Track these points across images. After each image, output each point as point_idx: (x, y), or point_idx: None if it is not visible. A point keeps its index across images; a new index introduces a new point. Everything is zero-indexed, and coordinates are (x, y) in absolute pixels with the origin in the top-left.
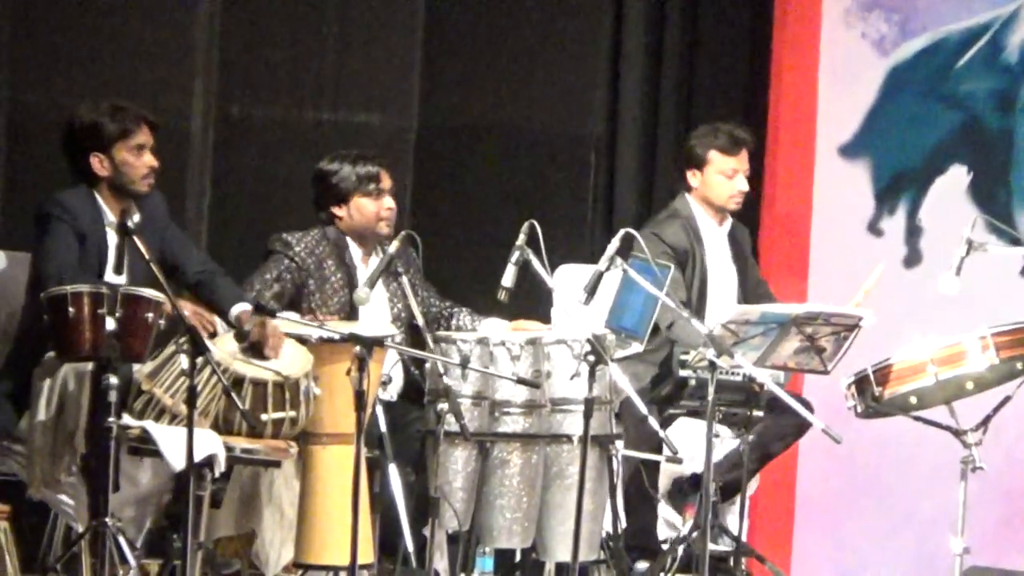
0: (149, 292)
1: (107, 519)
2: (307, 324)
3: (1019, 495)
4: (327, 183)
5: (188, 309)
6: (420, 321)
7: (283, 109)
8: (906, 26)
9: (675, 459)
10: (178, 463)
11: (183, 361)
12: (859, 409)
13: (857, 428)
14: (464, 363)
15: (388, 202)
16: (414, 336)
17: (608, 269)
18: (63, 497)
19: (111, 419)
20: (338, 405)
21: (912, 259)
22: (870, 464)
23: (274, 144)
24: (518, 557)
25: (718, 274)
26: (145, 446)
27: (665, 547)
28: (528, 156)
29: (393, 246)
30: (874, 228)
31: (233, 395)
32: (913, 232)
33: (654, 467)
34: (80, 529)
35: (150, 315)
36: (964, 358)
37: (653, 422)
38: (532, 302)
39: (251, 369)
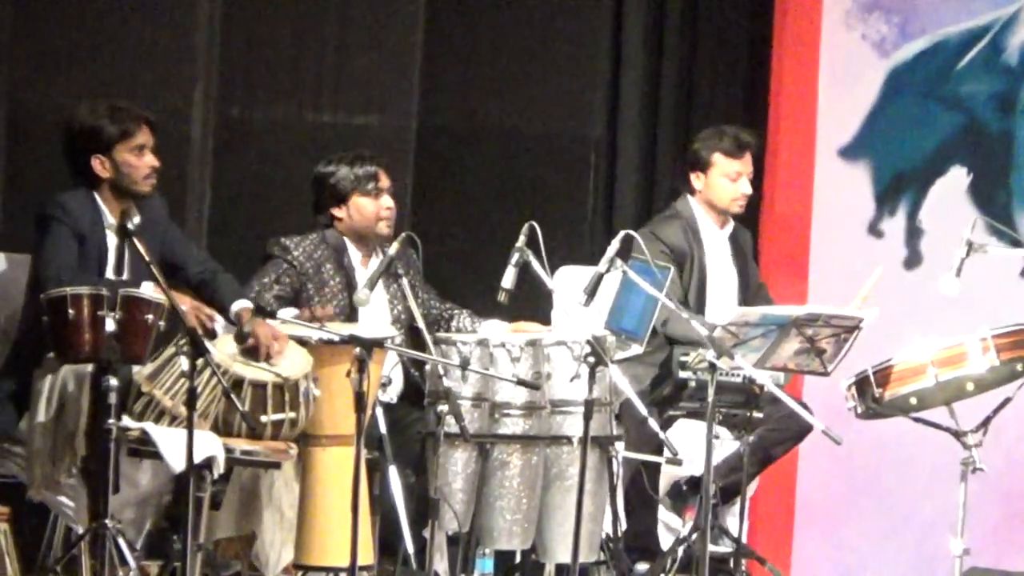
0: (149, 294)
1: (107, 521)
2: (307, 325)
3: (1019, 496)
4: (325, 184)
5: (187, 304)
6: (420, 323)
7: (283, 111)
8: (906, 27)
9: (675, 461)
10: (178, 465)
11: (183, 363)
12: (859, 410)
13: (857, 429)
14: (464, 365)
15: (387, 201)
16: (414, 338)
17: (608, 271)
18: (63, 499)
19: (111, 421)
20: (338, 407)
21: (912, 260)
22: (870, 465)
23: (274, 146)
24: (518, 558)
25: (718, 276)
26: (145, 448)
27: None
28: (528, 157)
29: (393, 248)
30: (874, 229)
31: (233, 397)
32: (913, 233)
33: (654, 469)
34: (80, 531)
35: (150, 317)
36: (965, 359)
37: (653, 424)
38: (532, 304)
39: (251, 371)
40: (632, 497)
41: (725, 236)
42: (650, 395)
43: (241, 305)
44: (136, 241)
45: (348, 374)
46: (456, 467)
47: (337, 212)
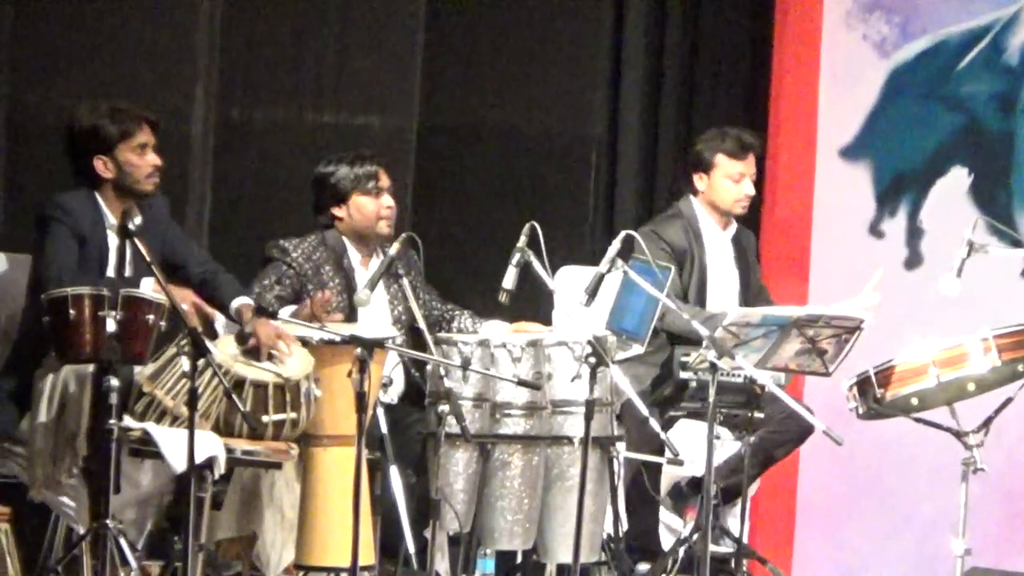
0: (150, 294)
1: (108, 521)
2: (308, 325)
3: (1020, 496)
4: (326, 184)
5: (187, 299)
6: (421, 323)
7: (283, 111)
8: (907, 28)
9: (676, 461)
10: (179, 465)
11: (184, 363)
12: (860, 411)
13: (858, 429)
14: (465, 365)
15: (387, 200)
16: (415, 338)
17: (609, 271)
18: (64, 499)
19: (112, 421)
20: (339, 407)
21: (913, 261)
22: (871, 465)
23: (274, 146)
24: (519, 559)
25: (718, 277)
26: (146, 448)
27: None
28: (528, 157)
29: (394, 248)
30: (875, 230)
31: (234, 397)
32: (914, 234)
33: (655, 469)
34: (81, 531)
35: (151, 317)
36: (966, 360)
37: (654, 424)
38: (533, 304)
39: (252, 371)
40: (633, 497)
41: (727, 237)
42: (651, 395)
43: (241, 301)
44: (137, 241)
45: (349, 374)
46: (457, 467)
47: (337, 212)
